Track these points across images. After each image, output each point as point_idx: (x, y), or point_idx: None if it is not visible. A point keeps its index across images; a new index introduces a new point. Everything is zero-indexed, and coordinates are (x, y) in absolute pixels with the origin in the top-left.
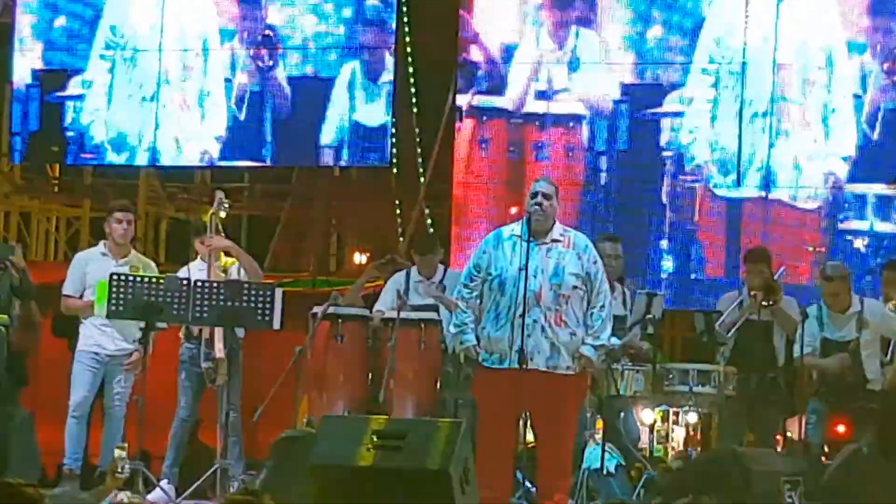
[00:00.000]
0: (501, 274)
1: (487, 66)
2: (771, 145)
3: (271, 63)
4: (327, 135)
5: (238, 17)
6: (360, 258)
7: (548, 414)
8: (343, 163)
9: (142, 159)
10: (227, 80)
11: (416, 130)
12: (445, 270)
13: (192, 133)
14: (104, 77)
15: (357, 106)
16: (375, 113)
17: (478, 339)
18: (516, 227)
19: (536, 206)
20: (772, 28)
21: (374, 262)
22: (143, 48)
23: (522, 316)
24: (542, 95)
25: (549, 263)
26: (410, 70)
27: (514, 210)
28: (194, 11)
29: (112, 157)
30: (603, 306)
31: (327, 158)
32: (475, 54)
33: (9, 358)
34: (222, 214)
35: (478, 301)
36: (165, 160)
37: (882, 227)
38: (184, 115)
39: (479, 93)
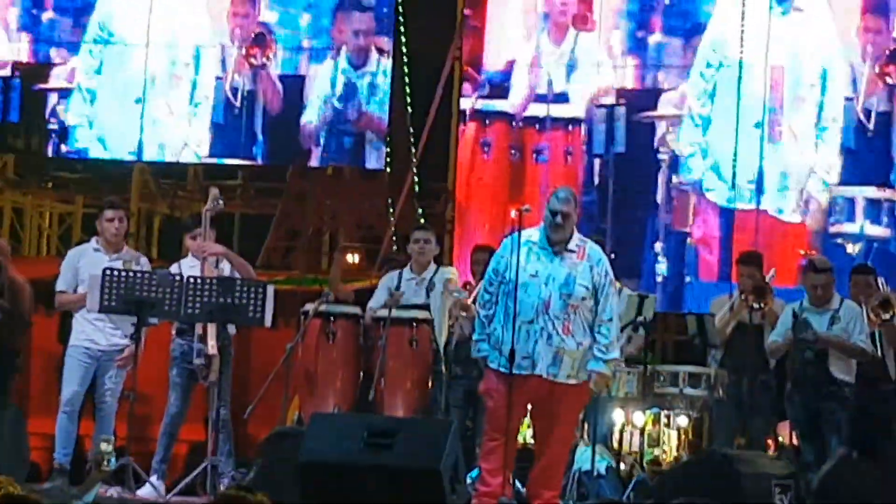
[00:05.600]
0: (514, 279)
1: (490, 70)
2: (762, 155)
3: (264, 61)
4: (319, 134)
5: (231, 15)
6: (352, 258)
7: (547, 419)
8: (336, 162)
9: (132, 155)
10: (219, 78)
11: (410, 130)
12: (437, 269)
13: (183, 130)
14: (92, 71)
15: (350, 105)
16: (369, 112)
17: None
18: (534, 234)
19: (554, 224)
20: (766, 36)
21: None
22: (132, 43)
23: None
24: (541, 98)
25: (561, 273)
26: (405, 70)
27: (514, 213)
28: (185, 7)
29: (98, 152)
30: (612, 319)
31: (319, 157)
32: (479, 58)
33: None
34: (217, 210)
35: (496, 306)
36: (156, 156)
37: (872, 230)
38: (174, 112)
39: (482, 97)
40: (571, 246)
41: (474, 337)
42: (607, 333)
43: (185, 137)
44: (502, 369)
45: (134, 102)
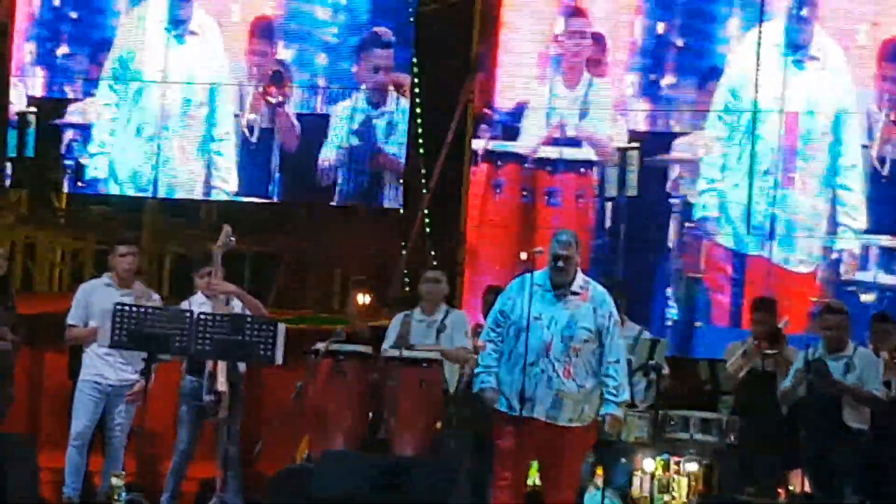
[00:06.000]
0: (519, 321)
1: (504, 111)
2: (773, 202)
3: (280, 99)
4: (334, 172)
5: (248, 53)
6: (363, 298)
7: (551, 462)
8: (352, 201)
9: (145, 192)
10: (235, 116)
11: (422, 171)
12: (448, 310)
13: (197, 168)
14: (108, 108)
15: (367, 144)
16: (386, 151)
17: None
18: (539, 276)
19: (556, 267)
20: (780, 82)
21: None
22: (148, 80)
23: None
24: (554, 141)
25: (564, 315)
26: (417, 111)
27: (524, 255)
28: (204, 45)
29: (113, 189)
30: (619, 360)
31: (334, 196)
32: (491, 99)
33: None
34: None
35: (501, 344)
36: (169, 194)
37: (886, 279)
38: (189, 150)
39: (495, 138)
40: (574, 288)
41: (476, 370)
42: (615, 375)
43: (199, 175)
44: (507, 411)
45: (147, 140)
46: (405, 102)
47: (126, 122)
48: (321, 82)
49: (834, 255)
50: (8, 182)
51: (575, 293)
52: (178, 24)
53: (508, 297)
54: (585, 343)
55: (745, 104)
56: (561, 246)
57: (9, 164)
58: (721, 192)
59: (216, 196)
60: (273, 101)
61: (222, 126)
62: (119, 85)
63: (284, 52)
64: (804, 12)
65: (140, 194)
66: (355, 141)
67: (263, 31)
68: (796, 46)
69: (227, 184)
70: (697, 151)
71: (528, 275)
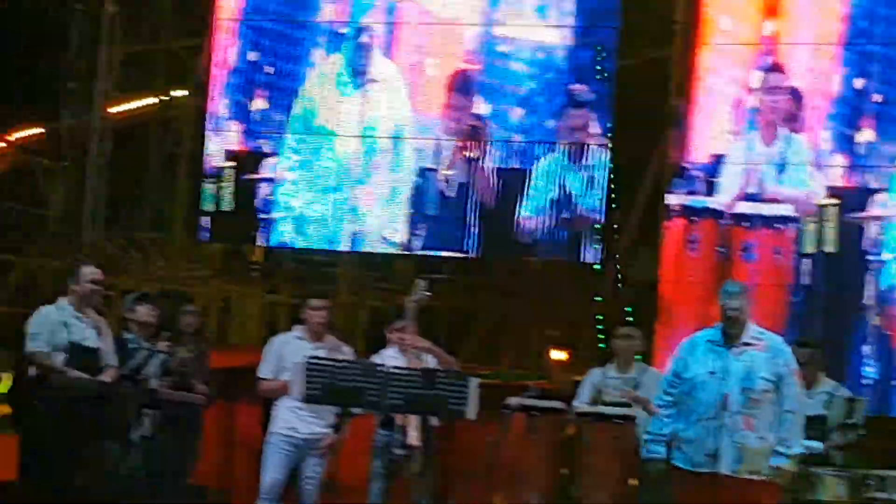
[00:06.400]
0: (694, 378)
1: (699, 166)
2: None
3: (478, 154)
4: (531, 227)
5: (445, 107)
6: (557, 353)
7: None
8: (549, 256)
9: (340, 246)
10: (432, 170)
11: (616, 226)
12: (644, 368)
13: (392, 221)
14: (297, 161)
15: (566, 199)
16: (585, 206)
17: (669, 444)
18: (711, 331)
19: (728, 316)
20: None
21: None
22: (342, 134)
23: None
24: (751, 197)
25: (741, 367)
26: (612, 165)
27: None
28: (386, 93)
29: (307, 243)
30: (794, 411)
31: (531, 251)
32: (687, 155)
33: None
34: (422, 302)
35: (675, 408)
36: (364, 248)
37: None
38: (382, 203)
39: (690, 192)
40: (749, 339)
41: (646, 437)
42: (789, 426)
43: (394, 228)
44: (686, 467)
45: (336, 192)
46: (604, 157)
47: (315, 174)
48: (518, 137)
49: None
50: (205, 236)
51: (749, 344)
52: (358, 73)
53: (680, 357)
54: (765, 393)
55: None
56: (731, 297)
57: (205, 218)
58: None
59: (411, 245)
60: (471, 155)
61: (410, 176)
62: (306, 137)
63: (482, 107)
64: None
65: (333, 248)
66: (553, 196)
67: (461, 85)
68: None
69: (420, 237)
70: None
71: (699, 332)
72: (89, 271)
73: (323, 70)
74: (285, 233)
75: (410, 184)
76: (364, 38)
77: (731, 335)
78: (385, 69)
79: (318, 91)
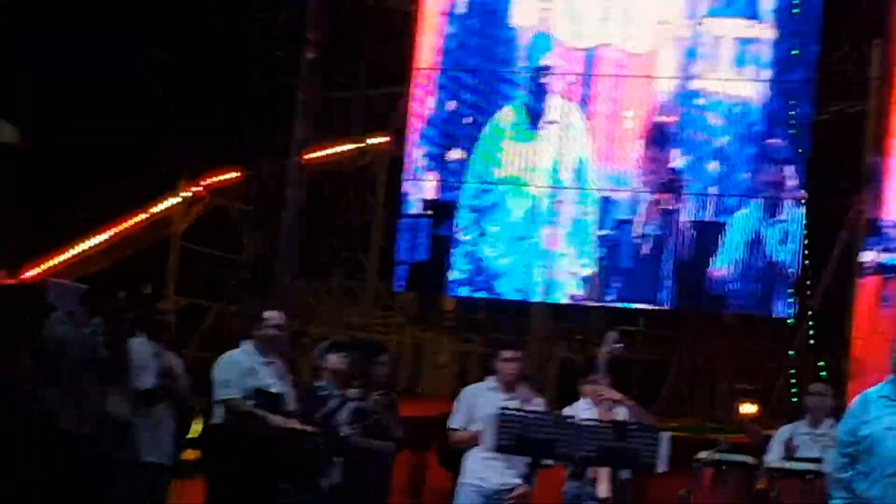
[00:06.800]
0: (871, 434)
1: (894, 224)
2: None
3: (674, 207)
4: (726, 281)
5: (642, 159)
6: (749, 407)
7: None
8: (743, 310)
9: (532, 296)
10: (626, 222)
11: (809, 281)
12: (836, 426)
13: (584, 272)
14: (493, 210)
15: (761, 252)
16: (779, 260)
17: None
18: (883, 387)
19: None
20: None
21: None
22: (516, 187)
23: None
24: None
25: None
26: (806, 220)
27: None
28: (572, 144)
29: (499, 292)
30: None
31: (725, 305)
32: (882, 212)
33: None
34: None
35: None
36: (556, 298)
37: None
38: (573, 255)
39: (885, 250)
40: None
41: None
42: None
43: (586, 278)
44: None
45: (527, 243)
46: (799, 211)
47: (505, 223)
48: (714, 190)
49: None
50: (400, 285)
51: None
52: (536, 118)
53: (853, 416)
54: None
55: None
56: None
57: (401, 267)
58: None
59: (604, 296)
60: (666, 208)
61: (600, 227)
62: (497, 186)
63: (678, 159)
64: None
65: (526, 298)
66: (747, 250)
67: (657, 137)
68: None
69: (614, 289)
70: None
71: (869, 390)
72: (273, 316)
73: (502, 118)
74: (479, 282)
75: (605, 235)
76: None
77: None
78: (565, 110)
79: (499, 139)
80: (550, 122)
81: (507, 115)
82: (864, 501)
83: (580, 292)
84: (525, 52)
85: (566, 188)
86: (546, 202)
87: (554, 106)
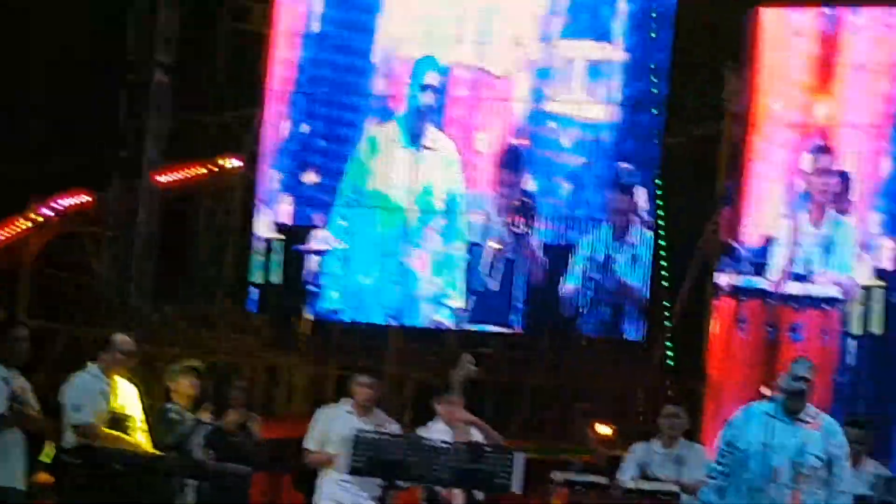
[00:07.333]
0: (747, 450)
1: (748, 247)
2: None
3: (526, 230)
4: (577, 304)
5: (494, 183)
6: (603, 429)
7: None
8: (594, 333)
9: (385, 319)
10: (477, 245)
11: (665, 304)
12: (688, 444)
13: (438, 293)
14: (350, 231)
15: (611, 275)
16: (629, 283)
17: None
18: (767, 405)
19: (797, 389)
20: None
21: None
22: (390, 206)
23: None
24: (799, 277)
25: (795, 442)
26: (661, 243)
27: (766, 390)
28: (445, 174)
29: (353, 315)
30: (845, 492)
31: (576, 328)
32: (736, 233)
33: None
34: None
35: (727, 478)
36: (409, 320)
37: None
38: (426, 276)
39: (739, 272)
40: (805, 417)
41: None
42: None
43: (439, 302)
44: None
45: (386, 261)
46: (649, 234)
47: (365, 245)
48: (565, 212)
49: None
50: (253, 307)
51: (805, 421)
52: (414, 139)
53: (734, 427)
54: (815, 470)
55: None
56: (805, 370)
57: (254, 290)
58: None
59: (456, 319)
60: (518, 231)
61: (461, 248)
62: (357, 207)
63: (530, 182)
64: None
65: (381, 321)
66: (599, 273)
67: (510, 161)
68: None
69: (468, 312)
70: None
71: (754, 404)
72: (121, 339)
73: (377, 137)
74: (333, 305)
75: (460, 258)
76: (422, 104)
77: (791, 411)
78: (440, 139)
79: (371, 159)
80: (426, 147)
81: (378, 134)
82: None
83: (441, 316)
84: (387, 72)
85: (424, 211)
86: (412, 224)
87: (430, 128)
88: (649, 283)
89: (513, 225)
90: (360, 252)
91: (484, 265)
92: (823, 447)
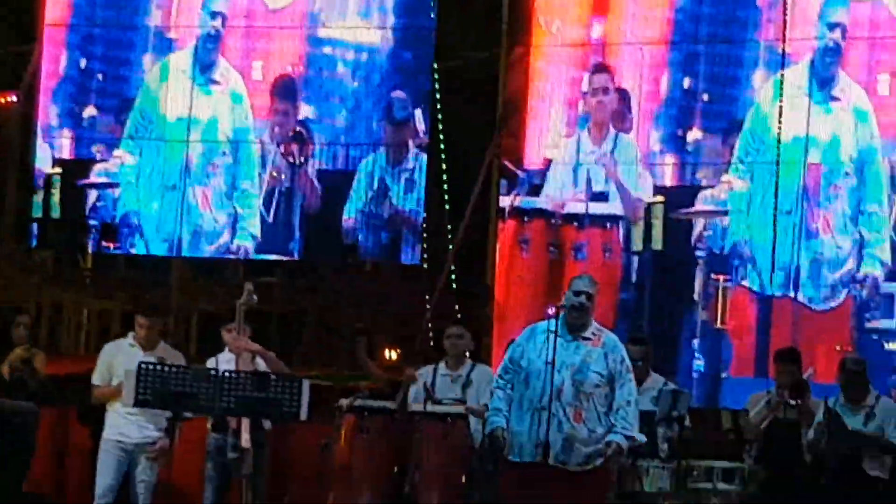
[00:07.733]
0: (529, 367)
1: (530, 167)
2: (796, 246)
3: (302, 159)
4: (356, 230)
5: (270, 112)
6: (390, 354)
7: None
8: (373, 258)
9: (169, 251)
10: (259, 175)
11: (448, 227)
12: (473, 366)
13: (221, 225)
14: (130, 166)
15: (387, 201)
16: (405, 208)
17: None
18: (552, 322)
19: (577, 304)
20: (804, 128)
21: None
22: (171, 138)
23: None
24: (580, 197)
25: (576, 359)
26: (443, 166)
27: (552, 310)
28: (225, 104)
29: (138, 248)
30: (630, 402)
31: (356, 254)
32: (518, 155)
33: None
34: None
35: (511, 391)
36: (194, 252)
37: None
38: (210, 208)
39: (521, 194)
40: (587, 334)
41: (487, 413)
42: (626, 416)
43: (223, 232)
44: (516, 459)
45: (170, 194)
46: (423, 159)
47: (149, 177)
48: (342, 140)
49: (858, 300)
50: (34, 243)
51: (587, 338)
52: (203, 70)
53: (518, 344)
54: (597, 388)
55: (769, 148)
56: (585, 284)
57: (35, 225)
58: (746, 241)
59: (241, 249)
60: (294, 160)
61: (245, 180)
62: (141, 140)
63: (305, 111)
64: (828, 58)
65: (166, 254)
66: (376, 199)
67: (285, 90)
68: (820, 87)
69: (250, 240)
70: (721, 202)
71: (540, 322)
72: None
73: (159, 72)
74: (118, 238)
75: (242, 189)
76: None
77: (574, 327)
78: (226, 71)
79: (155, 91)
80: (213, 81)
81: (159, 69)
82: (512, 433)
83: (219, 242)
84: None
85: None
86: (197, 157)
87: (220, 60)
88: (424, 207)
89: (288, 154)
90: (144, 185)
91: (263, 195)
92: (604, 364)
